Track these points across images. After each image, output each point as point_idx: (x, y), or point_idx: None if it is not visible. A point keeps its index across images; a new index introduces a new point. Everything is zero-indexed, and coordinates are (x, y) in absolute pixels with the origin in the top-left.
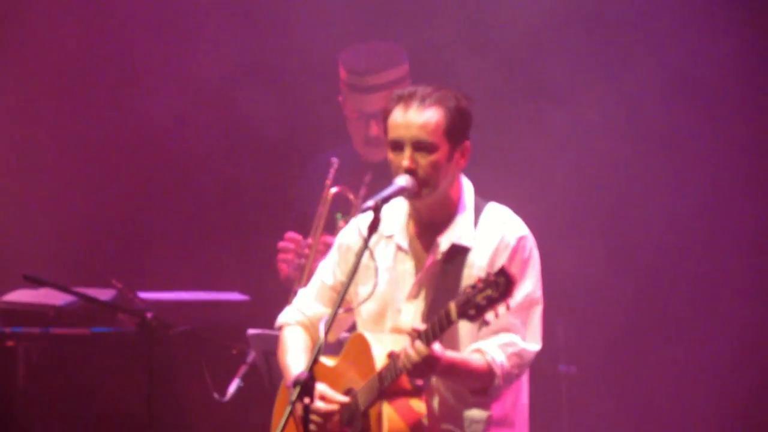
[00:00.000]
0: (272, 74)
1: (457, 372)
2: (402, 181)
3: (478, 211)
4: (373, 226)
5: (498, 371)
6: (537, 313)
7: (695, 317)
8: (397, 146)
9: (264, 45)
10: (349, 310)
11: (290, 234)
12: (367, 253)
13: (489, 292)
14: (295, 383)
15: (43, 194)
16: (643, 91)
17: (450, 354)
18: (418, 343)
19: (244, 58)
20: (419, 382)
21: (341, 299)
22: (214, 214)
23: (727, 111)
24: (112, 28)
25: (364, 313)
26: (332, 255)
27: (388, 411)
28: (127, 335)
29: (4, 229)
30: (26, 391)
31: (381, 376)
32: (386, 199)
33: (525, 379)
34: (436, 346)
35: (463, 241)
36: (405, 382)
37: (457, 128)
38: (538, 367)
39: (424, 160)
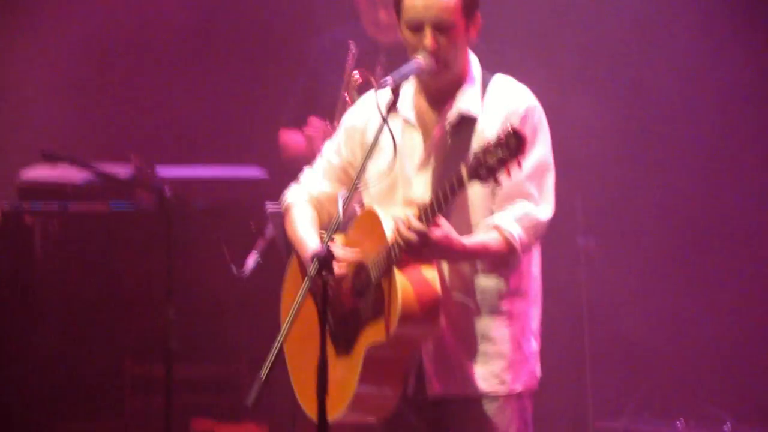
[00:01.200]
0: None
1: (473, 256)
2: (420, 58)
3: (485, 82)
4: (392, 104)
5: (517, 246)
6: (550, 179)
7: (723, 194)
8: (417, 26)
9: None
10: (364, 187)
11: (314, 120)
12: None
13: (500, 153)
14: (313, 258)
15: (58, 68)
16: None
17: (466, 240)
18: (415, 221)
19: None
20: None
21: (359, 174)
22: (233, 87)
23: None
24: None
25: (372, 189)
26: (338, 134)
27: (400, 279)
28: (145, 211)
29: (21, 105)
30: (44, 267)
31: (391, 247)
32: (405, 77)
33: (536, 250)
34: (444, 225)
35: (471, 111)
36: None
37: (472, 2)
38: (556, 240)
39: (444, 40)
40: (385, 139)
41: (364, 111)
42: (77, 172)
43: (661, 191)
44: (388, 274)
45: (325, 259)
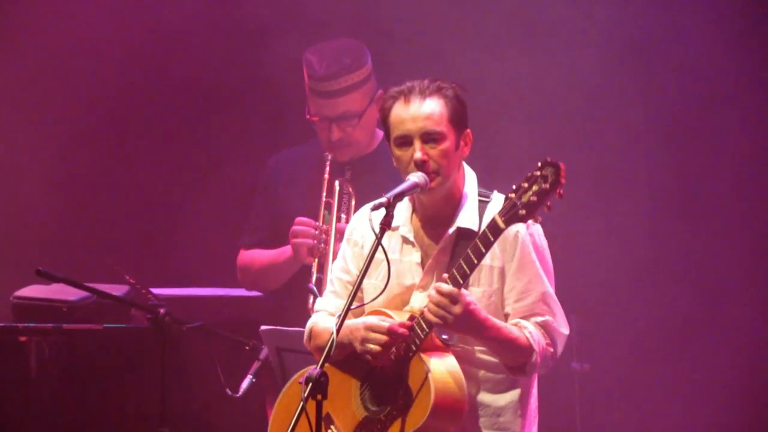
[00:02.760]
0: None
1: (494, 336)
2: (415, 177)
3: (483, 199)
4: (386, 223)
5: (536, 347)
6: (557, 300)
7: (710, 316)
8: (405, 141)
9: None
10: (361, 305)
11: (301, 219)
12: (378, 248)
13: (536, 187)
14: (307, 380)
15: (55, 189)
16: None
17: (489, 316)
18: (443, 284)
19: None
20: (446, 336)
21: (355, 291)
22: (228, 210)
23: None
24: None
25: (368, 306)
26: (345, 252)
27: (425, 359)
28: (139, 331)
29: (17, 224)
30: (38, 386)
31: (419, 319)
32: (399, 196)
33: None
34: (465, 291)
35: (469, 226)
36: (433, 339)
37: (459, 116)
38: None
39: (434, 151)
40: (382, 257)
41: (360, 227)
42: (71, 290)
43: (654, 314)
44: (411, 362)
45: (318, 380)
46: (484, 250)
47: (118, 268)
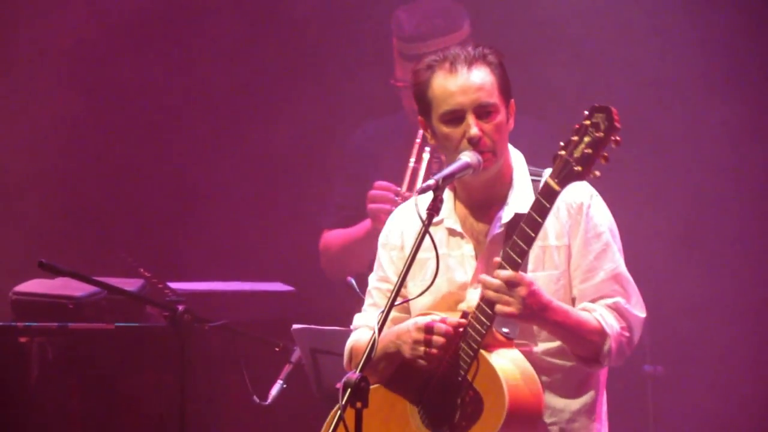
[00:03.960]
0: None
1: (561, 321)
2: (467, 157)
3: (535, 178)
4: (434, 208)
5: (609, 331)
6: (629, 276)
7: None
8: (455, 117)
9: None
10: (405, 302)
11: (381, 183)
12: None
13: (589, 137)
14: (345, 386)
15: (61, 174)
16: None
17: (552, 298)
18: (500, 270)
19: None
20: (507, 329)
21: (395, 293)
22: (255, 196)
23: None
24: None
25: (416, 310)
26: (381, 259)
27: (489, 356)
28: (156, 331)
29: (17, 212)
30: (40, 393)
31: (477, 310)
32: (449, 177)
33: (604, 373)
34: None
35: (526, 210)
36: (494, 335)
37: (506, 85)
38: (622, 367)
39: (488, 126)
40: (427, 253)
41: (397, 227)
42: (78, 285)
43: (736, 312)
44: (473, 363)
45: (358, 386)
46: (540, 220)
47: (132, 259)
